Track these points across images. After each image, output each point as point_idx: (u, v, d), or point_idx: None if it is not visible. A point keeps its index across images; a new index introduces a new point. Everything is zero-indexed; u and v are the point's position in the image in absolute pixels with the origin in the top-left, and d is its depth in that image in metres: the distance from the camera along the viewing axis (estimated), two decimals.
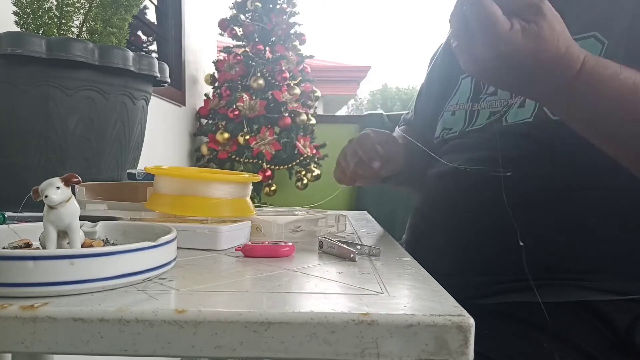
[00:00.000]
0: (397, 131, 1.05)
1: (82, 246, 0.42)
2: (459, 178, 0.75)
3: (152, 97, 0.90)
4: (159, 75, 0.85)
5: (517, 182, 0.67)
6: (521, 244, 0.57)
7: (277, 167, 2.81)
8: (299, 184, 2.88)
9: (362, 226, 0.80)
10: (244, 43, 2.96)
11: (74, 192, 0.42)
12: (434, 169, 0.84)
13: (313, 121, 2.95)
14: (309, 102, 3.03)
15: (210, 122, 2.91)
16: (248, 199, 0.64)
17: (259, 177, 0.68)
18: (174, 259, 0.43)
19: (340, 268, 0.47)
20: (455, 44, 0.55)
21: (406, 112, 1.08)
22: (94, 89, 0.76)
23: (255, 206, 0.67)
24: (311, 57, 3.08)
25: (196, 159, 2.94)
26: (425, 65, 1.04)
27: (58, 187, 0.39)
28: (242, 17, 2.97)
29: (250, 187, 0.64)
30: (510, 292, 0.67)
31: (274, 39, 2.94)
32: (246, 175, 0.64)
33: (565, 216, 0.66)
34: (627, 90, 0.55)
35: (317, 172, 2.87)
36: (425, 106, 0.98)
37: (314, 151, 2.89)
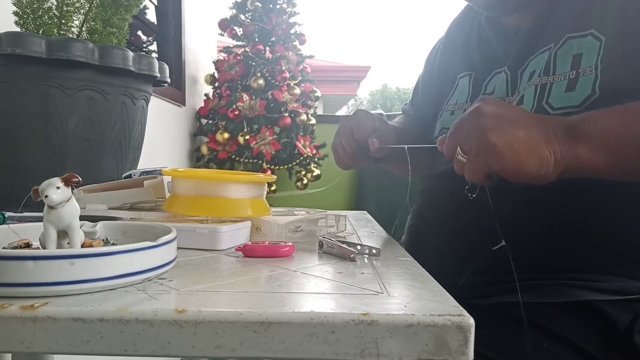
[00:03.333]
0: (397, 119, 1.05)
1: (82, 246, 0.42)
2: (456, 178, 0.75)
3: (152, 97, 0.90)
4: (159, 75, 0.85)
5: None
6: (503, 242, 0.57)
7: (277, 167, 2.81)
8: (298, 184, 2.88)
9: (362, 226, 0.80)
10: (244, 43, 2.97)
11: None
12: (431, 170, 0.84)
13: (313, 121, 2.95)
14: (309, 102, 3.03)
15: (210, 122, 2.91)
16: (264, 199, 0.65)
17: (273, 177, 0.70)
18: (174, 259, 0.43)
19: (340, 268, 0.47)
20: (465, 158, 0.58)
21: (405, 103, 1.08)
22: (94, 89, 0.76)
23: None
24: (311, 57, 3.08)
25: (196, 159, 2.94)
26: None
27: (58, 187, 0.39)
28: (242, 17, 2.97)
29: (266, 187, 0.66)
30: (510, 292, 0.67)
31: (274, 39, 2.94)
32: (261, 175, 0.66)
33: (565, 216, 0.65)
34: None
35: (317, 172, 2.87)
36: (423, 104, 0.98)
37: (314, 151, 2.90)
